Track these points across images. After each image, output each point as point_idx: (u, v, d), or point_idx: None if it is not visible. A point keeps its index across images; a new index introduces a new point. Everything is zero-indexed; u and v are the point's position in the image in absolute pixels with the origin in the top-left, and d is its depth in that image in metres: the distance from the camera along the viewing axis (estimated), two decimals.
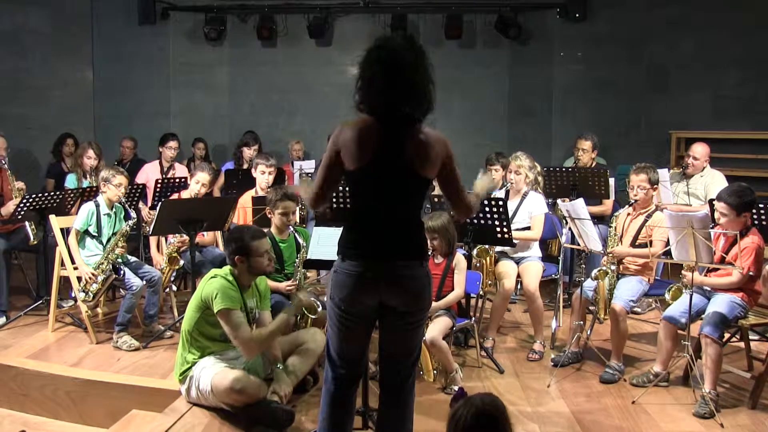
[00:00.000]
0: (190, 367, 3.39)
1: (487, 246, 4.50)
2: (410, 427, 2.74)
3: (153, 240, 5.08)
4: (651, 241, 4.12)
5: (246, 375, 3.31)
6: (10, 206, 4.98)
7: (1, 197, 5.20)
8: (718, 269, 3.82)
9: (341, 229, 2.69)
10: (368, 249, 2.55)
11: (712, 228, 3.73)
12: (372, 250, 2.54)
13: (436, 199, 4.69)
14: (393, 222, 2.56)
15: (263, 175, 5.09)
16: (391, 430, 2.73)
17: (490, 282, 4.58)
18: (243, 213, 4.90)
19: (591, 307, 4.37)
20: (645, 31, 7.76)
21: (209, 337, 3.44)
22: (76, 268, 4.58)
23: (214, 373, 3.29)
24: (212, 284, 3.36)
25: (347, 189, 3.80)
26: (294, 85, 8.41)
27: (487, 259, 4.53)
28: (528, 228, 4.63)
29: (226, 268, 3.49)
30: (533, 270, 4.52)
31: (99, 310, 4.92)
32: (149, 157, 7.04)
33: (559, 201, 5.09)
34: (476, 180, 3.04)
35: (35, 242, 5.06)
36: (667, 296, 3.98)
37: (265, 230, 3.85)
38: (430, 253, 4.08)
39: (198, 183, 5.02)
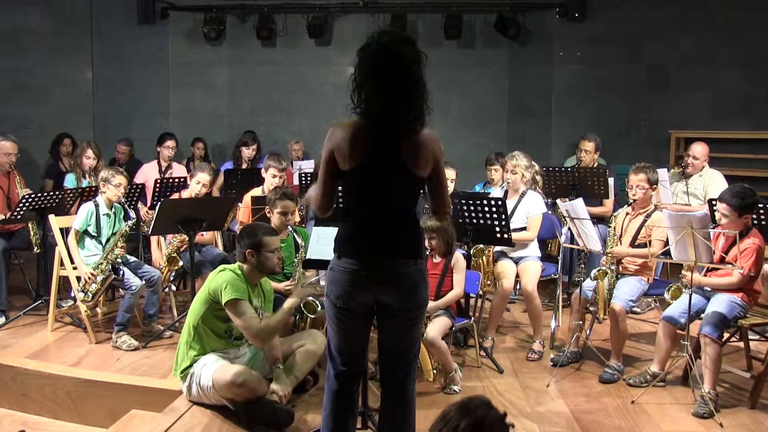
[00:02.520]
0: (190, 365, 3.39)
1: (482, 246, 4.49)
2: (413, 423, 2.75)
3: (153, 239, 5.07)
4: (650, 241, 4.12)
5: (248, 369, 3.32)
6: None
7: (8, 200, 5.21)
8: (717, 269, 3.82)
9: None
10: (364, 247, 2.56)
11: (712, 228, 3.72)
12: (367, 248, 2.56)
13: None
14: (388, 220, 2.57)
15: (273, 179, 5.07)
16: (395, 427, 2.73)
17: (489, 282, 4.59)
18: (247, 211, 4.90)
19: (590, 307, 4.37)
20: (645, 30, 7.76)
21: (214, 332, 3.44)
22: (75, 268, 4.58)
23: (215, 369, 3.30)
24: (221, 276, 3.38)
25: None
26: (293, 85, 8.42)
27: (484, 258, 4.53)
28: (525, 228, 4.63)
29: (235, 264, 3.51)
30: (532, 270, 4.52)
31: (98, 310, 4.92)
32: (148, 157, 7.04)
33: (558, 201, 5.09)
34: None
35: (39, 251, 5.05)
36: (667, 296, 3.98)
37: None
38: (428, 252, 4.08)
39: (199, 183, 5.01)
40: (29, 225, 5.08)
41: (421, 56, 2.48)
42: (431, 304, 3.90)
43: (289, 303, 3.50)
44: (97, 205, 4.67)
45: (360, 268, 2.54)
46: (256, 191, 5.09)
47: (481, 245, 4.51)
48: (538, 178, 5.02)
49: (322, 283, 3.32)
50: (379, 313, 2.64)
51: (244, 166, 6.76)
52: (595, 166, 5.88)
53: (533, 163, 4.87)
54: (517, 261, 4.60)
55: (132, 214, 4.70)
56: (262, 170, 5.20)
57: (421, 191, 2.68)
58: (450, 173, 4.88)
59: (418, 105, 2.47)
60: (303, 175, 5.81)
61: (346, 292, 2.57)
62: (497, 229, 4.27)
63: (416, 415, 2.79)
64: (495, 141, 7.95)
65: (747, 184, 3.84)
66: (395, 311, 2.61)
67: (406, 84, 2.44)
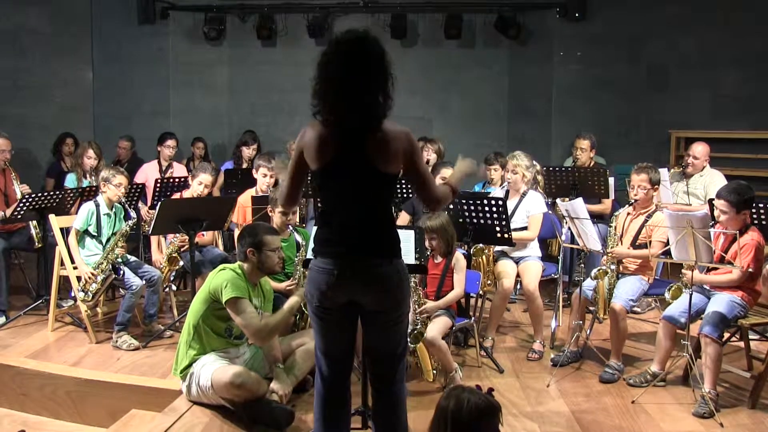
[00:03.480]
0: (190, 364, 3.39)
1: (481, 245, 4.49)
2: (404, 421, 2.74)
3: (154, 239, 5.07)
4: (651, 242, 4.12)
5: (246, 370, 3.32)
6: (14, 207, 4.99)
7: (5, 197, 5.21)
8: (717, 268, 3.82)
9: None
10: (338, 247, 2.56)
11: (712, 227, 3.73)
12: (341, 247, 2.56)
13: None
14: (360, 220, 2.57)
15: (264, 178, 5.07)
16: (386, 426, 2.73)
17: (489, 282, 4.58)
18: (243, 212, 4.89)
19: (591, 307, 4.37)
20: (644, 30, 7.75)
21: (215, 331, 3.45)
22: (75, 268, 4.58)
23: (214, 369, 3.30)
24: (222, 275, 3.39)
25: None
26: (293, 85, 8.39)
27: (484, 258, 4.53)
28: (526, 228, 4.63)
29: (236, 264, 3.51)
30: (533, 270, 4.51)
31: (99, 309, 4.93)
32: (149, 157, 7.04)
33: (558, 200, 5.09)
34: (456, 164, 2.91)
35: (40, 245, 5.05)
36: (667, 296, 3.97)
37: None
38: (429, 252, 4.08)
39: (201, 184, 4.99)
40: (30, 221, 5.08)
41: (382, 53, 2.46)
42: (431, 304, 3.90)
43: (290, 302, 3.50)
44: (97, 205, 4.67)
45: (334, 268, 2.55)
46: (250, 192, 5.08)
47: (481, 245, 4.50)
48: (540, 178, 5.02)
49: None
50: (360, 314, 2.63)
51: (245, 165, 6.75)
52: (591, 164, 5.87)
53: (534, 162, 4.86)
54: (517, 261, 4.60)
55: (132, 213, 4.70)
56: (254, 171, 5.20)
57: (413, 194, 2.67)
58: (449, 173, 4.86)
59: (380, 102, 2.46)
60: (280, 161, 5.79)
61: (321, 291, 2.57)
62: (497, 228, 4.27)
63: (416, 416, 2.80)
64: (495, 141, 7.94)
65: (745, 182, 3.84)
66: (373, 312, 2.60)
67: (362, 82, 2.43)
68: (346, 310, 2.61)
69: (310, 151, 2.54)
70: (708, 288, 3.89)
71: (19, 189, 5.16)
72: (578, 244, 4.38)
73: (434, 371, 3.83)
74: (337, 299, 2.58)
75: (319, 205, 4.56)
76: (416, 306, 3.80)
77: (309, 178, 2.81)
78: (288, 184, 2.68)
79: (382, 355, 2.69)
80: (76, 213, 4.76)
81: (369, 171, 2.50)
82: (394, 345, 2.68)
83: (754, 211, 4.09)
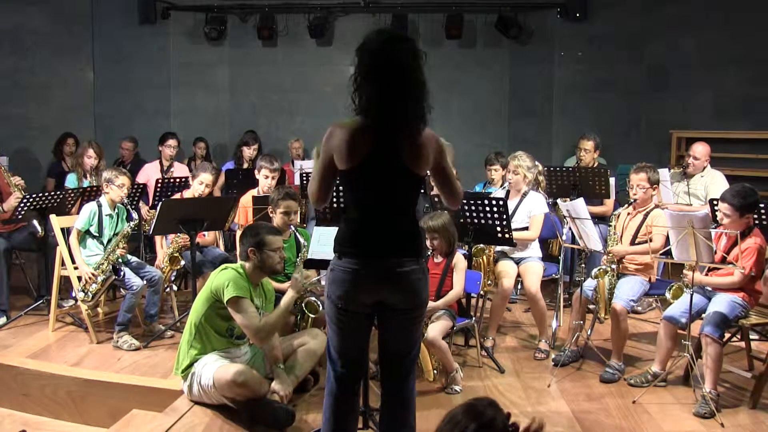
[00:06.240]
0: (191, 364, 3.40)
1: (482, 245, 4.49)
2: (413, 423, 2.74)
3: (158, 239, 5.07)
4: (651, 238, 4.12)
5: (248, 369, 3.33)
6: (11, 200, 4.97)
7: (0, 194, 5.21)
8: (719, 269, 3.82)
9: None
10: (364, 247, 2.55)
11: (713, 228, 3.73)
12: (368, 248, 2.55)
13: (436, 199, 4.68)
14: (388, 220, 2.57)
15: (266, 179, 5.06)
16: (395, 427, 2.73)
17: (489, 282, 4.58)
18: (244, 212, 4.89)
19: (591, 307, 4.37)
20: (645, 30, 7.76)
21: (216, 330, 3.45)
22: (76, 268, 4.58)
23: (216, 368, 3.30)
24: (224, 275, 3.40)
25: (341, 188, 3.84)
26: (294, 85, 8.42)
27: (484, 258, 4.53)
28: (527, 228, 4.63)
29: (238, 263, 3.52)
30: (534, 271, 4.51)
31: (99, 309, 4.92)
32: (149, 157, 7.05)
33: (559, 201, 5.09)
34: None
35: (43, 234, 5.03)
36: (668, 296, 3.98)
37: None
38: (429, 252, 4.09)
39: (201, 184, 5.00)
40: None
41: (419, 54, 2.46)
42: (431, 304, 3.90)
43: (287, 298, 3.51)
44: (100, 206, 4.67)
45: (361, 268, 2.54)
46: (252, 193, 5.08)
47: (482, 245, 4.50)
48: (541, 178, 5.02)
49: (323, 282, 3.32)
50: (381, 313, 2.63)
51: (246, 165, 6.76)
52: (595, 165, 5.87)
53: (537, 163, 4.85)
54: (518, 261, 4.60)
55: (134, 215, 4.69)
56: (255, 171, 5.20)
57: (422, 191, 2.67)
58: None
59: (418, 104, 2.46)
60: (304, 174, 5.81)
61: (348, 292, 2.56)
62: (498, 228, 4.27)
63: (417, 415, 2.79)
64: (496, 141, 7.95)
65: (749, 185, 3.84)
66: (397, 311, 2.60)
67: (404, 83, 2.43)
68: (371, 310, 2.61)
69: (341, 152, 2.50)
70: (709, 288, 3.89)
71: (13, 182, 5.14)
72: (579, 245, 4.38)
73: (435, 371, 3.83)
74: (363, 300, 2.57)
75: (335, 204, 4.54)
76: None
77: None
78: (317, 186, 2.62)
79: (397, 354, 2.69)
80: (77, 213, 4.76)
81: (402, 172, 2.50)
82: (410, 344, 2.69)
83: (755, 212, 4.09)
